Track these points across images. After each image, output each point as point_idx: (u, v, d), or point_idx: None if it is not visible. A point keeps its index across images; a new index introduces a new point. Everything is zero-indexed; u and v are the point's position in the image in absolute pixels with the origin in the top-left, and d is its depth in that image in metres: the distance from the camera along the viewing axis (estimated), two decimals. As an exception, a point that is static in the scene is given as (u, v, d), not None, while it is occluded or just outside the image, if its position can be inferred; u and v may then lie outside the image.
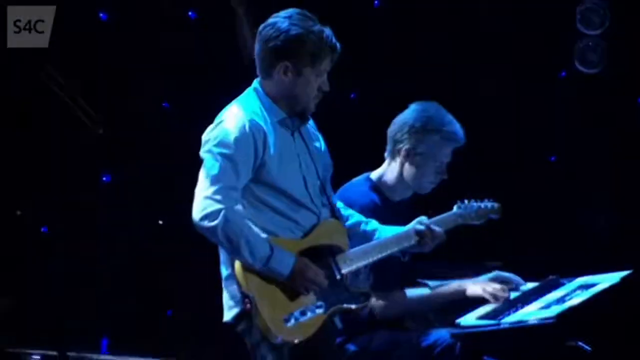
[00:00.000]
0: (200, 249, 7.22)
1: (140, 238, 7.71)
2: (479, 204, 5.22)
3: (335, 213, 4.76)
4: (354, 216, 4.88)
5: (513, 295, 5.24)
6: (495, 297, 5.18)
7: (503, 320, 5.01)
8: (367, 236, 4.85)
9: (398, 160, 5.29)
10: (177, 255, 7.62)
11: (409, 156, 5.24)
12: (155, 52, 7.71)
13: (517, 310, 5.07)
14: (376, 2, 7.62)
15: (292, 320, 4.47)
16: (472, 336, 5.09)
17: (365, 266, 4.82)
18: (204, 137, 4.57)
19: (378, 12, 7.58)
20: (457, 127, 5.30)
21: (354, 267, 4.69)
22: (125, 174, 7.87)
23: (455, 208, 5.17)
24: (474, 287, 5.24)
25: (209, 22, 7.79)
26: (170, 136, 7.79)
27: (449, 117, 5.31)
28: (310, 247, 4.57)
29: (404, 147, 5.26)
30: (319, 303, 4.53)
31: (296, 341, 4.46)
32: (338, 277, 4.60)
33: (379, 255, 4.80)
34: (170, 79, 7.75)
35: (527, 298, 5.14)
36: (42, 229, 7.70)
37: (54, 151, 7.61)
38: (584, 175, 7.25)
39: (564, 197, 7.17)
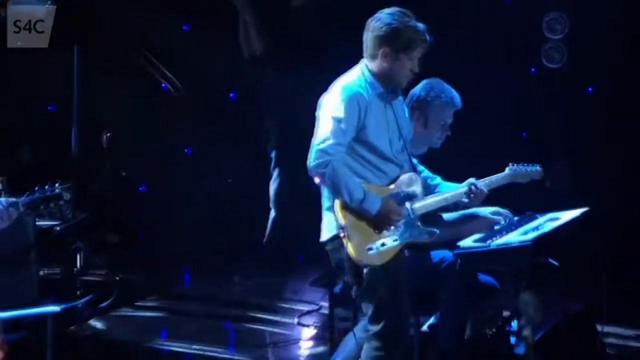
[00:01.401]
0: (257, 201, 7.36)
1: (214, 192, 7.75)
2: (526, 167, 5.05)
3: (414, 168, 4.74)
4: (424, 172, 4.88)
5: (499, 227, 5.13)
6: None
7: (492, 243, 4.94)
8: (431, 189, 4.84)
9: (412, 123, 5.27)
10: (243, 205, 7.66)
11: (419, 119, 5.21)
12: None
13: (502, 236, 5.00)
14: None
15: (374, 249, 4.47)
16: (469, 256, 5.01)
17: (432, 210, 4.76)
18: (321, 101, 4.56)
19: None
20: (454, 94, 5.20)
21: (424, 210, 4.65)
22: (201, 148, 7.88)
23: (507, 169, 5.00)
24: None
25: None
26: (234, 119, 7.84)
27: (447, 86, 5.22)
28: (392, 194, 4.55)
29: (415, 111, 5.22)
30: (396, 237, 4.52)
31: (376, 264, 4.46)
32: (412, 217, 4.58)
33: (443, 204, 4.77)
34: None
35: (510, 227, 5.06)
36: (140, 188, 7.73)
37: (150, 130, 7.65)
38: (548, 145, 7.24)
39: (534, 161, 7.19)
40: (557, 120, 7.33)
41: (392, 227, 4.50)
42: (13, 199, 3.87)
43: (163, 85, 7.61)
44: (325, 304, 6.18)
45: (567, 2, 7.35)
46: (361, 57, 4.76)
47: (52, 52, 6.69)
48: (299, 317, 6.54)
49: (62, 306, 3.94)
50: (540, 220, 5.11)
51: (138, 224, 7.41)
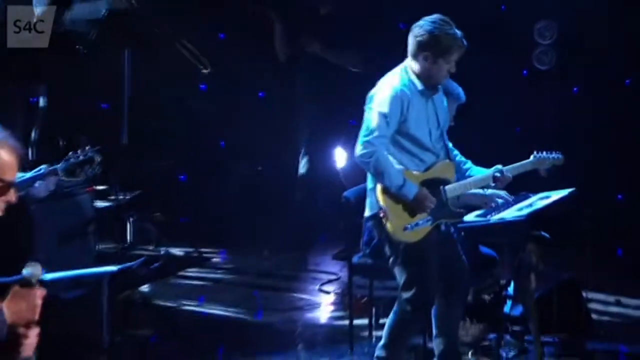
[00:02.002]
0: (283, 186, 7.33)
1: (246, 179, 7.77)
2: (549, 155, 4.91)
3: (449, 154, 4.71)
4: (457, 156, 4.84)
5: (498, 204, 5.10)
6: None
7: (491, 218, 4.95)
8: (463, 173, 4.79)
9: None
10: (271, 190, 7.70)
11: None
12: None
13: (500, 212, 4.99)
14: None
15: (409, 229, 4.48)
16: (471, 229, 5.01)
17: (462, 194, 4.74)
18: (369, 95, 4.53)
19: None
20: (460, 90, 5.10)
21: (455, 194, 4.65)
22: (234, 140, 7.89)
23: (532, 157, 4.91)
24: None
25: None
26: (264, 117, 7.83)
27: (454, 83, 5.08)
28: (428, 179, 4.55)
29: None
30: (428, 218, 4.51)
31: (410, 241, 4.49)
32: (444, 199, 4.56)
33: (472, 188, 4.76)
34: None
35: (507, 205, 5.00)
36: (181, 178, 7.75)
37: (190, 125, 7.64)
38: (539, 137, 7.19)
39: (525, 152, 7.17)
40: (547, 116, 7.29)
41: (424, 212, 4.47)
42: (52, 167, 3.78)
43: (202, 86, 7.63)
44: (344, 274, 6.14)
45: (555, 11, 7.33)
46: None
47: (106, 54, 6.71)
48: (321, 285, 6.55)
49: (119, 267, 3.93)
50: (533, 199, 5.10)
51: (181, 206, 7.43)
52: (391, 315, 4.68)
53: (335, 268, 6.74)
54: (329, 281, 6.58)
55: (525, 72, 7.45)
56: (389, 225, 4.47)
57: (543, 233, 5.08)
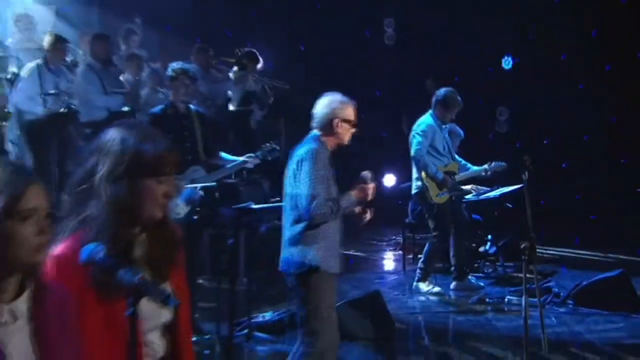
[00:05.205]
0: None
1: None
2: (500, 162, 5.00)
3: (455, 159, 4.94)
4: (462, 161, 5.04)
5: (482, 191, 5.29)
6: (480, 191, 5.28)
7: (480, 197, 5.26)
8: (466, 169, 4.99)
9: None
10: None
11: None
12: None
13: (485, 193, 5.27)
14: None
15: (439, 196, 4.76)
16: (469, 203, 5.23)
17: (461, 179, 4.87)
18: (414, 127, 4.77)
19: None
20: (461, 132, 5.20)
21: (460, 179, 4.88)
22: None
23: (493, 163, 5.00)
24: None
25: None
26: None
27: (459, 128, 5.23)
28: (446, 171, 4.83)
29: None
30: (447, 191, 4.76)
31: (439, 202, 4.73)
32: (455, 182, 4.82)
33: (471, 176, 4.92)
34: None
35: (489, 190, 5.28)
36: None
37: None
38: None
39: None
40: (505, 156, 7.04)
41: (446, 187, 4.79)
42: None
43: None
44: (398, 238, 6.39)
45: (508, 101, 7.43)
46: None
47: (270, 121, 6.24)
48: (387, 242, 6.93)
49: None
50: (502, 188, 5.30)
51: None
52: (426, 246, 5.01)
53: (392, 234, 7.04)
54: (390, 240, 6.98)
55: (491, 135, 7.60)
56: (428, 194, 4.75)
57: (508, 204, 5.59)
